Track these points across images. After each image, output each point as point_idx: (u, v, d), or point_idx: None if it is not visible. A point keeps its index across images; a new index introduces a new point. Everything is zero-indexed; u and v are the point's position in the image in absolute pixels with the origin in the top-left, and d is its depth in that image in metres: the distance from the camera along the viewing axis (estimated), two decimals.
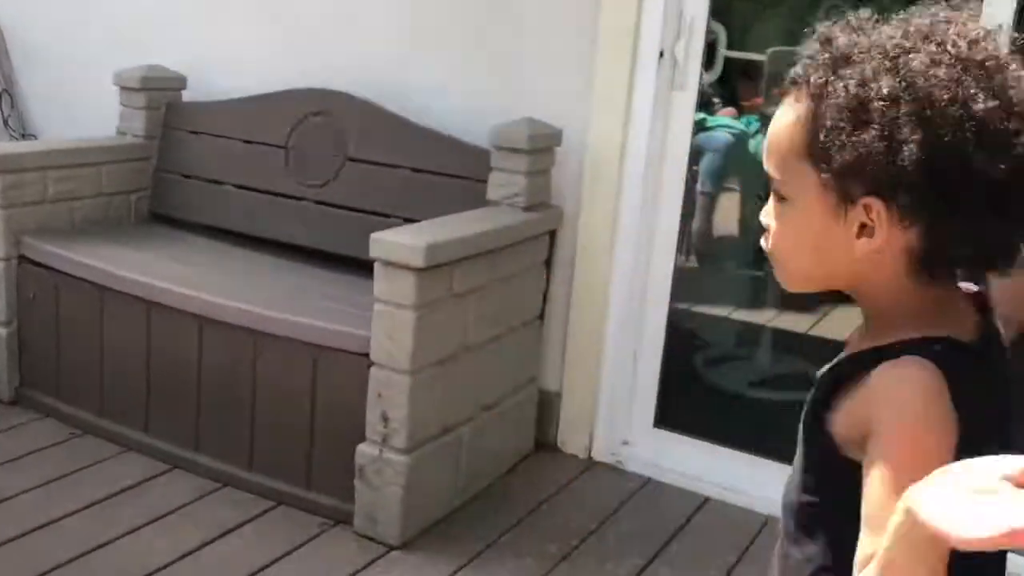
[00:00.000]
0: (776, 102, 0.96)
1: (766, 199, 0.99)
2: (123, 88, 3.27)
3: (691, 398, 3.31)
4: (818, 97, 0.89)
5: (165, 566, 2.27)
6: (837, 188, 0.89)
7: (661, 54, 2.69)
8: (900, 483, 0.77)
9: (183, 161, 3.25)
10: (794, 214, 0.94)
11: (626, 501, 2.75)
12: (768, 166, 0.96)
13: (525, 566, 2.40)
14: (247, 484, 2.60)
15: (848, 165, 0.86)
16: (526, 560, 2.43)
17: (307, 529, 2.47)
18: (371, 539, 2.43)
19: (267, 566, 2.31)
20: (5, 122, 3.85)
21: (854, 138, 0.85)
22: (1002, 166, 0.83)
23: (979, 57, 0.86)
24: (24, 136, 3.85)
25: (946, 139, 0.83)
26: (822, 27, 0.92)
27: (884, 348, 0.90)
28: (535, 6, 2.82)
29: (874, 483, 0.83)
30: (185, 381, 2.66)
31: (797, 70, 0.93)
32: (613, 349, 2.89)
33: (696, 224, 4.46)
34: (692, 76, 2.74)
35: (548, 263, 2.87)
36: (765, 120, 4.66)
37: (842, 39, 0.90)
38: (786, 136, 0.93)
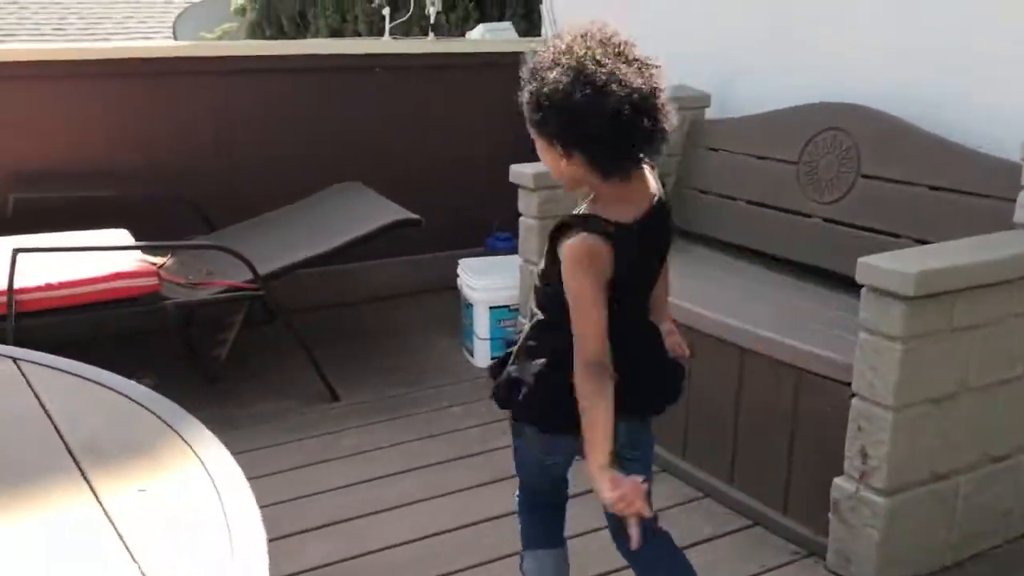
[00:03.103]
0: None
1: None
2: None
3: None
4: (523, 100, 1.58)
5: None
6: (547, 140, 1.56)
7: None
8: (578, 304, 1.55)
9: (701, 177, 3.36)
10: (543, 156, 1.60)
11: None
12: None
13: None
14: (727, 499, 2.63)
15: (536, 127, 1.56)
16: None
17: (779, 554, 2.42)
18: None
19: None
20: None
21: (536, 117, 1.54)
22: (604, 107, 1.46)
23: (578, 52, 1.49)
24: None
25: (562, 103, 1.49)
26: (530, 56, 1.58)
27: (587, 216, 1.58)
28: None
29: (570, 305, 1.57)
30: None
31: None
32: None
33: None
34: None
35: None
36: None
37: (529, 61, 1.56)
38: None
